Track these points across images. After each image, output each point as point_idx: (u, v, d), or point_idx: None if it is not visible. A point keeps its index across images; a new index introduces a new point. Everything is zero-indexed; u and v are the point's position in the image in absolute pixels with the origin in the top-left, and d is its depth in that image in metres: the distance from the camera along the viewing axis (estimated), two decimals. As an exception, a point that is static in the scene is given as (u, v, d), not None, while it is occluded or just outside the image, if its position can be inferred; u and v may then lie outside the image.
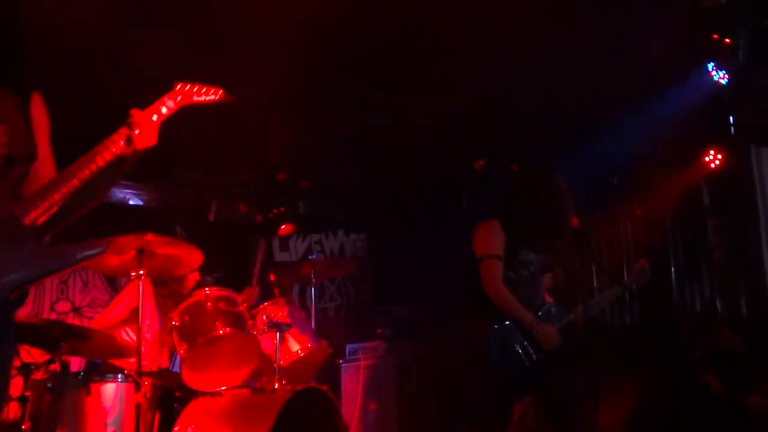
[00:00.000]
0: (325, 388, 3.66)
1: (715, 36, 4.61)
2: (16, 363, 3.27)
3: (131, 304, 3.74)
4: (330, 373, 4.77)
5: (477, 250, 3.44)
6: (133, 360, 3.35)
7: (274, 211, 6.49)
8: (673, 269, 5.94)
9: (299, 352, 3.88)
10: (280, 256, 6.54)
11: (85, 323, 4.62)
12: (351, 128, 5.77)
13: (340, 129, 5.80)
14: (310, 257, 4.84)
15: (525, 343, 3.34)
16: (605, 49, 4.64)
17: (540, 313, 3.46)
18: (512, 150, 5.01)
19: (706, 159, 5.62)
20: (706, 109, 5.27)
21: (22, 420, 2.96)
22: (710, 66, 5.02)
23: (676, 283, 5.91)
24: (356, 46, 4.70)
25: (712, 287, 5.70)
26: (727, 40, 4.61)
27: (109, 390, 3.27)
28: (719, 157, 5.57)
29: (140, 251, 3.30)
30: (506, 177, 3.56)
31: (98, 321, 3.91)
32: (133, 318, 3.68)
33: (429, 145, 5.80)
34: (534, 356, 3.33)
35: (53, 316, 4.84)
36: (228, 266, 5.36)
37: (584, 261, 3.88)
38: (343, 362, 4.89)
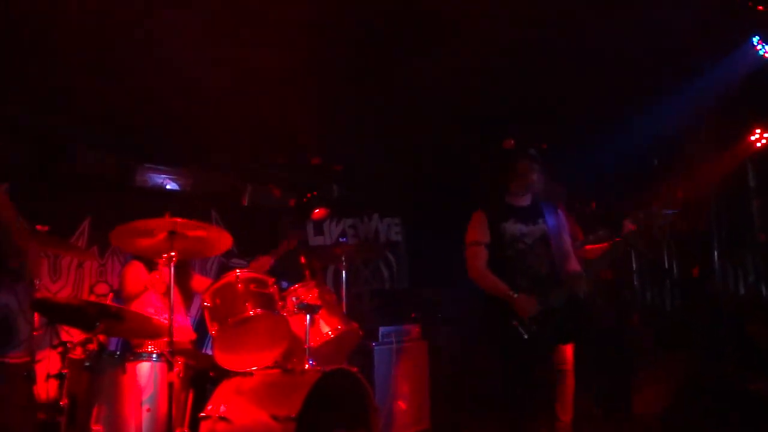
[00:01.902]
0: (355, 369, 3.67)
1: (761, 7, 4.40)
2: (55, 341, 3.39)
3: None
4: (363, 355, 4.78)
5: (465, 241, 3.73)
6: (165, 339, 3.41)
7: (308, 195, 6.54)
8: (716, 252, 5.75)
9: (329, 333, 3.90)
10: (314, 240, 6.58)
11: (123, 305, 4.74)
12: (386, 112, 5.74)
13: (376, 112, 5.77)
14: (340, 240, 4.84)
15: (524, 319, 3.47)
16: (646, 23, 4.47)
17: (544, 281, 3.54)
18: (548, 131, 4.90)
19: (752, 138, 5.41)
20: (752, 85, 5.04)
21: (60, 397, 3.06)
22: (756, 39, 4.79)
23: (719, 267, 5.73)
24: (391, 29, 4.65)
25: (757, 271, 5.50)
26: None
27: (144, 369, 3.35)
28: (766, 136, 5.35)
29: (172, 233, 3.34)
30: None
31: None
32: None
33: (465, 129, 5.73)
34: (530, 328, 3.43)
35: (92, 299, 4.99)
36: (261, 250, 5.41)
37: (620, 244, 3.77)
38: (376, 345, 4.89)
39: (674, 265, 5.93)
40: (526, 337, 3.43)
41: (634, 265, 5.86)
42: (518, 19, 4.36)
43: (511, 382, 3.51)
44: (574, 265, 3.69)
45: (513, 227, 3.65)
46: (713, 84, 5.01)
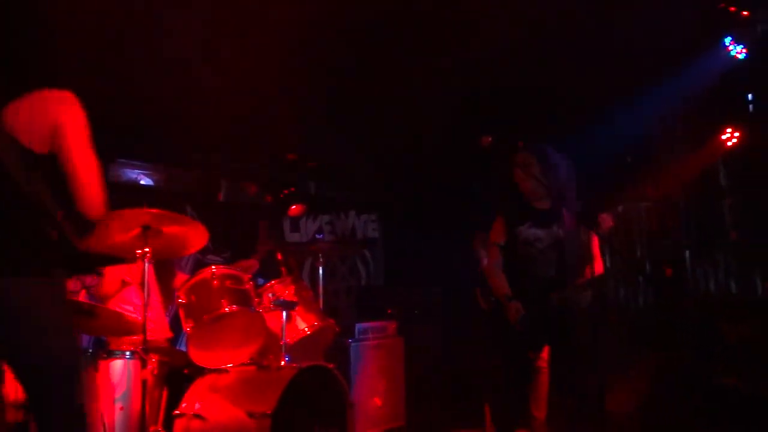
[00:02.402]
0: (331, 366, 3.66)
1: (733, 8, 4.48)
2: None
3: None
4: (339, 352, 4.77)
5: None
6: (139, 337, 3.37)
7: (285, 191, 6.49)
8: (687, 251, 5.85)
9: (306, 330, 3.88)
10: (290, 237, 6.55)
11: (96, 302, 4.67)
12: (363, 108, 5.73)
13: (352, 108, 5.76)
14: (317, 237, 4.82)
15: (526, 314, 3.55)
16: (619, 24, 4.53)
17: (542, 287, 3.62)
18: (522, 129, 4.94)
19: (723, 137, 5.50)
20: (723, 86, 5.14)
21: (30, 395, 2.99)
22: (728, 40, 4.88)
23: (690, 265, 5.83)
24: (367, 25, 4.65)
25: (727, 269, 5.61)
26: (745, 12, 4.47)
27: (117, 367, 3.30)
28: (737, 135, 5.45)
29: (146, 228, 3.29)
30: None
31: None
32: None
33: (441, 126, 5.75)
34: (520, 327, 3.54)
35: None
36: (237, 246, 5.38)
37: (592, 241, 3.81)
38: (352, 342, 4.89)
39: (647, 264, 6.02)
40: (519, 329, 3.53)
41: (607, 263, 5.93)
42: (502, 18, 4.39)
43: (500, 375, 3.69)
44: (587, 271, 3.74)
45: (527, 231, 3.71)
46: (686, 84, 5.09)
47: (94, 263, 2.06)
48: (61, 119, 1.96)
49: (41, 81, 2.01)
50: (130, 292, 3.96)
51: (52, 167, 1.97)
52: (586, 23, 4.50)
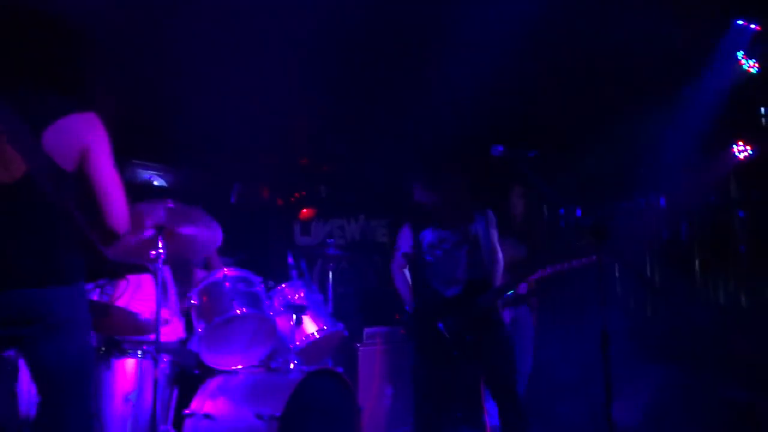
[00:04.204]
0: (340, 370, 3.69)
1: (745, 22, 4.49)
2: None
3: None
4: (347, 356, 4.80)
5: None
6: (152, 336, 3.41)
7: (296, 195, 6.55)
8: (697, 262, 5.84)
9: (315, 333, 3.92)
10: (301, 240, 6.60)
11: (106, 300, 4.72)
12: (374, 114, 5.77)
13: (363, 114, 5.81)
14: (328, 242, 4.87)
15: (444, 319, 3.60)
16: (633, 36, 4.55)
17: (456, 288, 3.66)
18: (532, 139, 4.96)
19: (735, 150, 5.50)
20: (735, 99, 5.14)
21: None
22: (740, 54, 4.89)
23: (700, 275, 5.82)
24: (378, 32, 4.69)
25: (737, 281, 5.59)
26: (757, 27, 4.48)
27: (129, 365, 3.35)
28: (748, 148, 5.45)
29: (160, 229, 3.34)
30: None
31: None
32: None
33: (451, 133, 5.77)
34: (448, 335, 3.57)
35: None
36: (248, 249, 5.41)
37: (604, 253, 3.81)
38: (360, 346, 4.92)
39: (656, 275, 6.01)
40: (448, 336, 3.55)
41: (616, 274, 5.93)
42: (508, 33, 4.41)
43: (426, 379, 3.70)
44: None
45: (432, 234, 3.76)
46: (698, 98, 5.10)
47: (121, 271, 2.16)
48: (88, 141, 2.11)
49: (72, 104, 2.14)
50: (146, 291, 4.00)
51: (78, 185, 2.11)
52: (599, 36, 4.52)
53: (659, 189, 5.76)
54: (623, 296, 5.99)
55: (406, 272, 3.96)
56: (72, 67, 2.26)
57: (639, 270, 5.92)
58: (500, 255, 3.83)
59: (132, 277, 3.96)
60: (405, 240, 3.88)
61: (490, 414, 3.98)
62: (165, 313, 3.41)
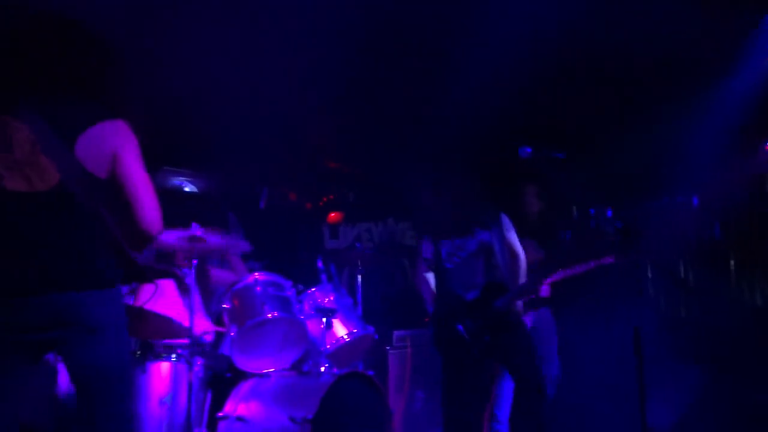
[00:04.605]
0: (370, 373, 3.71)
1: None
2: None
3: None
4: (378, 359, 4.82)
5: None
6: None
7: (324, 199, 6.59)
8: (732, 262, 5.72)
9: (345, 337, 3.94)
10: (329, 244, 6.63)
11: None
12: (401, 117, 5.78)
13: (391, 117, 5.82)
14: (356, 245, 4.89)
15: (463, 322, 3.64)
16: (663, 32, 4.48)
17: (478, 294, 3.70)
18: (558, 140, 4.92)
19: (769, 148, 5.38)
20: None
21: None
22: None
23: (735, 277, 5.70)
24: (406, 32, 4.69)
25: (774, 281, 5.47)
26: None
27: (164, 369, 3.42)
28: (784, 145, 5.32)
29: (192, 238, 3.41)
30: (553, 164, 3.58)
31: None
32: None
33: (480, 134, 5.75)
34: (467, 337, 3.61)
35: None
36: (277, 253, 5.47)
37: (635, 255, 3.76)
38: (390, 349, 4.93)
39: (690, 275, 5.91)
40: (467, 338, 3.59)
41: (649, 274, 5.85)
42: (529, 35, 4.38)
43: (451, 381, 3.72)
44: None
45: (448, 242, 3.82)
46: (732, 92, 5.00)
47: (151, 276, 2.19)
48: (118, 147, 2.17)
49: (102, 113, 2.20)
50: (171, 295, 4.07)
51: (111, 191, 2.17)
52: (629, 34, 4.46)
53: (692, 188, 5.65)
54: (655, 297, 5.90)
55: (430, 278, 3.99)
56: (101, 76, 2.31)
57: (672, 270, 5.82)
58: (522, 257, 3.86)
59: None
60: (426, 249, 3.98)
61: (500, 421, 3.98)
62: (194, 317, 3.46)
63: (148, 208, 2.17)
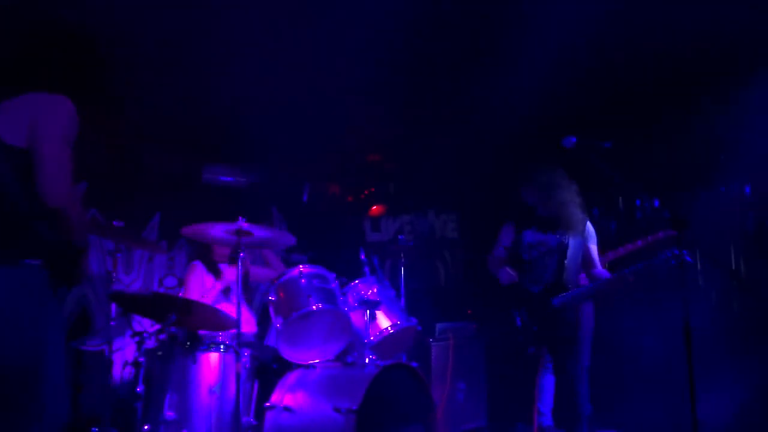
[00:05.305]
0: (414, 364, 3.73)
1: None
2: (132, 331, 3.58)
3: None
4: (421, 350, 4.83)
5: None
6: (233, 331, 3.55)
7: (365, 192, 6.62)
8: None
9: (389, 328, 3.96)
10: (371, 237, 6.67)
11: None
12: (441, 109, 5.76)
13: (431, 111, 5.80)
14: (399, 238, 4.91)
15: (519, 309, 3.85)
16: (714, 19, 4.35)
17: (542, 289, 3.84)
18: (610, 127, 4.83)
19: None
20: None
21: (136, 383, 3.23)
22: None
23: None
24: (447, 27, 4.67)
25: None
26: None
27: (213, 359, 3.50)
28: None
29: (239, 231, 3.48)
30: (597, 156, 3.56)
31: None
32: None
33: (520, 125, 5.69)
34: (519, 323, 3.80)
35: (161, 291, 5.21)
36: (321, 246, 5.53)
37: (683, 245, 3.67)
38: (433, 341, 4.94)
39: (742, 267, 5.73)
40: (518, 324, 3.76)
41: (698, 266, 5.70)
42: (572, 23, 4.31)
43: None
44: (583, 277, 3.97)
45: (531, 235, 4.01)
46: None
47: (76, 254, 2.09)
48: (39, 114, 2.15)
49: (38, 86, 2.20)
50: (211, 293, 4.16)
51: (26, 162, 2.12)
52: (679, 23, 4.34)
53: (744, 177, 5.47)
54: (706, 290, 5.75)
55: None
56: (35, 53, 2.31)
57: (723, 262, 5.66)
58: (599, 269, 3.98)
59: (196, 287, 4.14)
60: (507, 235, 4.15)
61: (543, 414, 4.01)
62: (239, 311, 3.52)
63: (51, 178, 2.09)
